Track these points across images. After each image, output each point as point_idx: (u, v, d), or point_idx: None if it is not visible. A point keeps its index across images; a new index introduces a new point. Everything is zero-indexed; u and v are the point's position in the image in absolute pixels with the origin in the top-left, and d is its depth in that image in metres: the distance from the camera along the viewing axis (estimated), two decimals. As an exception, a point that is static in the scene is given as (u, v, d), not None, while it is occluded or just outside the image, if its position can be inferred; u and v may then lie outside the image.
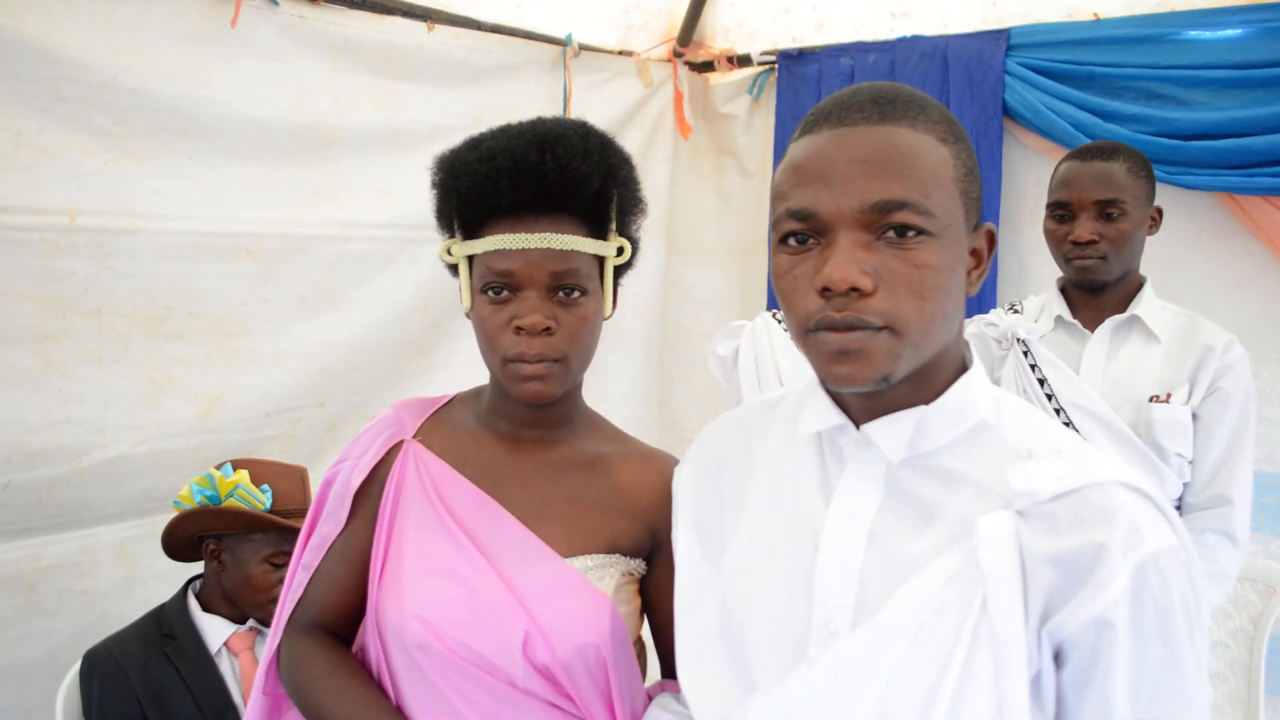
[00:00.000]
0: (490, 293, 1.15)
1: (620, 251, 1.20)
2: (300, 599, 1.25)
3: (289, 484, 1.94)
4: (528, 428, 1.24)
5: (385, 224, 2.81)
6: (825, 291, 0.83)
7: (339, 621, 1.26)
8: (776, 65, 3.73)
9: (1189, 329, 1.93)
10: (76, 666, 1.88)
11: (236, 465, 1.92)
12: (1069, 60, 3.10)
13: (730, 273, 3.97)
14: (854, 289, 0.82)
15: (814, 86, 3.64)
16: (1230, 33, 2.90)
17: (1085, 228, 1.89)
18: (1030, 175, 3.27)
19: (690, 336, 3.92)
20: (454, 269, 1.23)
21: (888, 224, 0.83)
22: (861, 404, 0.91)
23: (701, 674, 0.95)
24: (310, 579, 1.25)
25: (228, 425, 2.47)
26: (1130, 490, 0.82)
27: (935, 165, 0.84)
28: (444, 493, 1.20)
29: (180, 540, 1.97)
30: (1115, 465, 0.84)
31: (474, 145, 1.18)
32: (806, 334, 0.86)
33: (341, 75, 2.71)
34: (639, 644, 1.25)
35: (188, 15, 2.36)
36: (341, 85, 2.71)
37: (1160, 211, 2.00)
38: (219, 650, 1.87)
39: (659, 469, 1.24)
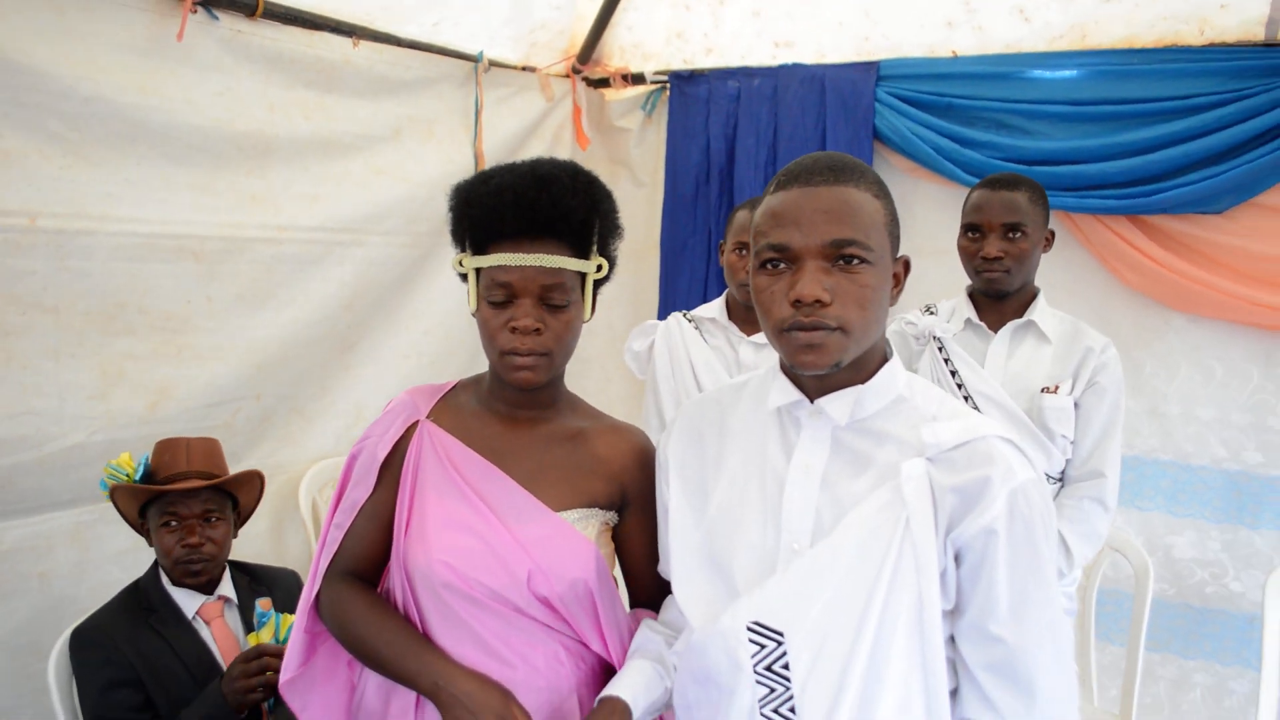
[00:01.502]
0: (493, 299, 1.42)
1: (600, 268, 1.48)
2: (336, 552, 1.50)
3: (171, 452, 2.06)
4: (521, 408, 1.51)
5: (315, 228, 2.99)
6: (796, 303, 1.14)
7: (369, 570, 1.51)
8: (669, 84, 4.05)
9: (1074, 333, 2.31)
10: (60, 644, 2.01)
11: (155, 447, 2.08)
12: (931, 91, 3.52)
13: (622, 275, 4.15)
14: (817, 301, 1.14)
15: (703, 105, 3.97)
16: (1067, 73, 3.38)
17: (993, 246, 2.25)
18: (896, 191, 3.59)
19: (585, 333, 4.07)
20: (463, 277, 1.48)
21: (840, 255, 1.15)
22: (814, 384, 1.22)
23: (691, 588, 1.25)
24: (344, 536, 1.49)
25: (173, 416, 2.61)
26: (1005, 442, 1.17)
27: (872, 214, 1.17)
28: (456, 463, 1.46)
29: (135, 527, 2.11)
30: (994, 425, 1.19)
31: (485, 180, 1.44)
32: (780, 333, 1.17)
33: (274, 88, 2.87)
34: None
35: (135, 28, 2.49)
36: (274, 96, 2.88)
37: (1053, 233, 2.37)
38: (194, 618, 2.05)
39: (629, 439, 1.54)
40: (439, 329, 3.55)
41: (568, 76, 4.05)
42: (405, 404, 1.53)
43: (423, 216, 3.40)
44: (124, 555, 2.52)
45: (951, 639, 1.18)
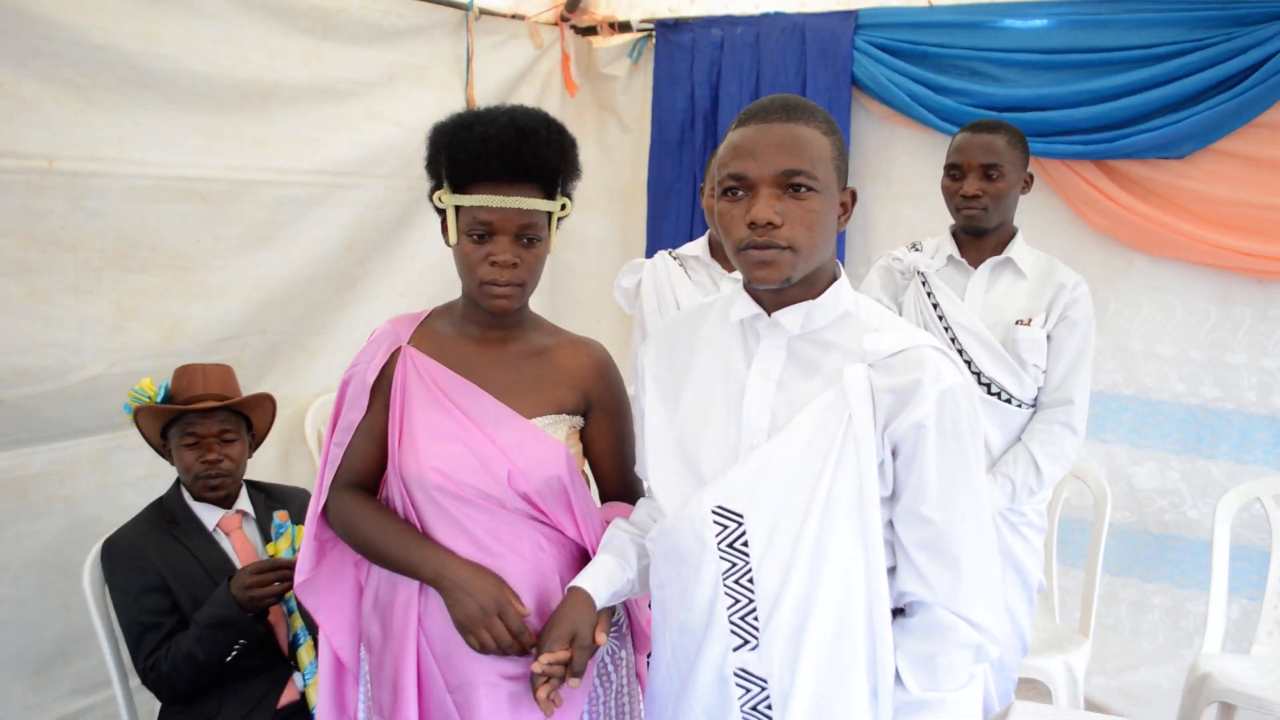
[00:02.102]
0: (473, 235, 1.58)
1: (563, 207, 1.64)
2: (339, 467, 1.68)
3: (188, 377, 2.22)
4: (492, 330, 1.69)
5: (316, 171, 3.13)
6: (752, 225, 1.30)
7: (368, 480, 1.70)
8: (654, 33, 4.16)
9: (1048, 270, 2.45)
10: (92, 555, 2.19)
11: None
12: (907, 40, 3.65)
13: (611, 218, 4.41)
14: (769, 223, 1.30)
15: (687, 53, 4.09)
16: (1037, 23, 3.51)
17: (972, 185, 2.39)
18: (874, 137, 3.82)
19: (576, 275, 4.35)
20: (440, 211, 1.64)
21: (790, 184, 1.31)
22: (771, 299, 1.39)
23: (664, 478, 1.43)
24: (343, 453, 1.67)
25: (186, 350, 2.76)
26: (936, 350, 1.33)
27: (820, 149, 1.33)
28: (437, 381, 1.64)
29: (158, 450, 2.27)
30: (928, 336, 1.35)
31: (468, 127, 1.59)
32: (739, 251, 1.33)
33: (273, 35, 2.99)
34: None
35: (142, -23, 2.62)
36: (273, 44, 3.00)
37: (1032, 176, 2.50)
38: (214, 530, 2.22)
39: (589, 352, 1.73)
40: (434, 270, 3.69)
41: (556, 24, 4.15)
42: (387, 332, 1.70)
43: (417, 160, 3.43)
44: (142, 480, 2.69)
45: (890, 523, 1.35)
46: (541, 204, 1.59)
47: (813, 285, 1.38)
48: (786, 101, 1.35)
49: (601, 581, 1.51)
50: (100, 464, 2.66)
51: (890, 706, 1.34)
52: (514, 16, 3.95)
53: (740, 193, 1.34)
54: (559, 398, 1.68)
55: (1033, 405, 2.42)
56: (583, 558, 1.65)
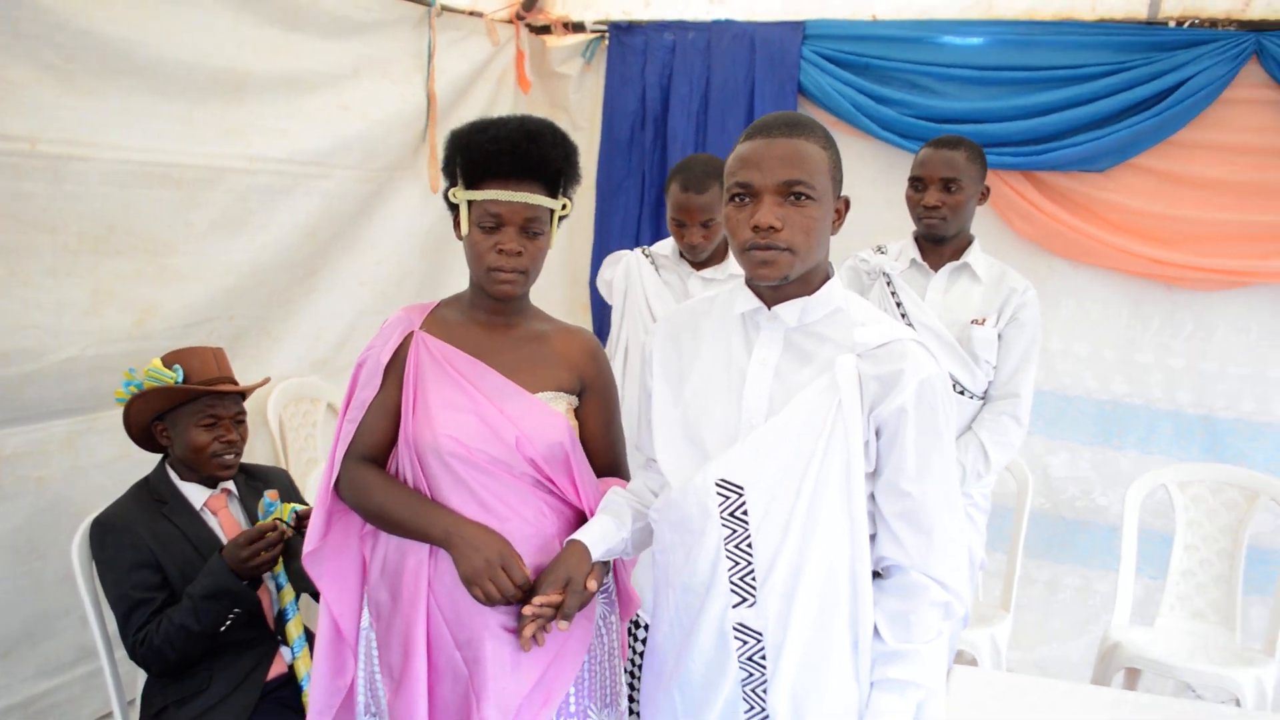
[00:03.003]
0: (483, 226, 1.73)
1: (564, 206, 1.79)
2: (351, 442, 1.78)
3: (201, 360, 2.28)
4: (498, 316, 1.83)
5: (284, 159, 3.19)
6: (755, 228, 1.46)
7: (379, 454, 1.81)
8: (608, 34, 4.29)
9: (1001, 275, 2.67)
10: (81, 533, 2.23)
11: (165, 359, 2.27)
12: (852, 52, 3.85)
13: None
14: (771, 227, 1.45)
15: (640, 55, 4.23)
16: (974, 40, 3.74)
17: (932, 196, 2.59)
18: None
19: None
20: (452, 207, 1.79)
21: (791, 192, 1.47)
22: (771, 295, 1.54)
23: (670, 454, 1.58)
24: (357, 428, 1.78)
25: (157, 333, 2.81)
26: (917, 344, 1.51)
27: (818, 161, 1.49)
28: (450, 360, 1.78)
29: (137, 432, 2.29)
30: (908, 330, 1.53)
31: (482, 130, 1.74)
32: (743, 251, 1.49)
33: (245, 25, 3.04)
34: None
35: (122, -35, 2.65)
36: (245, 34, 3.05)
37: (988, 189, 2.71)
38: (202, 509, 2.29)
39: (581, 339, 1.89)
40: (390, 259, 3.78)
41: (512, 22, 4.25)
42: (401, 319, 1.84)
43: (379, 152, 3.61)
44: (112, 463, 2.73)
45: (872, 496, 1.52)
46: (545, 200, 1.74)
47: (808, 283, 1.55)
48: (790, 118, 1.51)
49: (598, 536, 1.67)
50: (71, 446, 2.69)
51: (869, 657, 1.50)
52: (472, 13, 4.04)
53: (746, 199, 1.50)
54: (558, 377, 1.83)
55: (983, 398, 2.63)
56: (581, 524, 1.79)
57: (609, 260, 2.97)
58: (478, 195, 1.72)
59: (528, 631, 1.61)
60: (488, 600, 1.64)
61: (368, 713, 1.84)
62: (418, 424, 1.74)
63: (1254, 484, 3.05)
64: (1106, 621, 3.21)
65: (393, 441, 1.80)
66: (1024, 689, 2.35)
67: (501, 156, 1.70)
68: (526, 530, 1.73)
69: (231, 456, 2.26)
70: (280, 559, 2.20)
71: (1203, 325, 3.62)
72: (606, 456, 1.90)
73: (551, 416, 1.77)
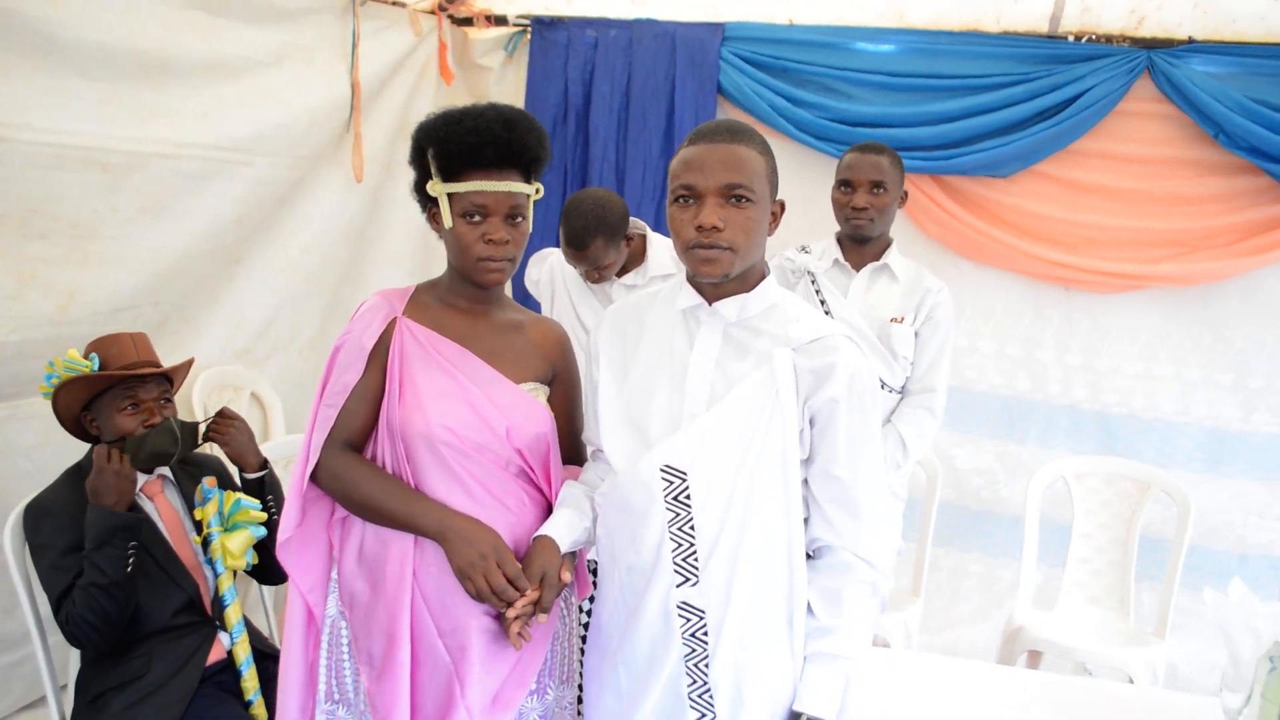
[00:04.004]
0: (468, 217, 1.75)
1: (538, 190, 1.83)
2: (332, 428, 1.78)
3: (119, 346, 2.26)
4: (478, 303, 1.87)
5: (209, 145, 3.16)
6: (699, 228, 1.54)
7: (359, 440, 1.81)
8: (530, 28, 4.33)
9: (917, 276, 2.81)
10: (14, 518, 2.19)
11: (89, 346, 2.26)
12: (769, 55, 3.96)
13: None
14: (714, 227, 1.54)
15: (562, 51, 4.27)
16: (886, 48, 3.88)
17: (861, 198, 2.71)
18: None
19: (442, 259, 4.45)
20: (424, 200, 1.81)
21: (732, 194, 1.56)
22: (712, 291, 1.63)
23: (615, 442, 1.66)
24: (338, 413, 1.78)
25: (81, 319, 2.77)
26: (847, 339, 1.62)
27: (757, 166, 1.58)
28: (436, 347, 1.80)
29: (70, 426, 2.27)
30: (839, 325, 1.63)
31: (457, 121, 1.75)
32: (687, 250, 1.58)
33: (169, 7, 3.00)
34: None
35: (46, -56, 2.61)
36: (169, 16, 3.01)
37: (907, 193, 2.84)
38: (138, 495, 2.26)
39: (553, 329, 1.94)
40: (315, 247, 3.77)
41: (434, 13, 4.26)
42: (381, 304, 1.84)
43: (304, 141, 3.60)
44: (35, 450, 2.69)
45: (806, 481, 1.62)
46: (524, 188, 1.79)
47: (746, 281, 1.64)
48: (731, 125, 1.61)
49: (564, 530, 1.72)
50: (-7, 432, 2.65)
51: (803, 632, 1.61)
52: (395, 3, 4.04)
53: (690, 201, 1.58)
54: (535, 367, 1.87)
55: (900, 392, 2.77)
56: (549, 515, 1.83)
57: (535, 259, 3.02)
58: (461, 187, 1.73)
59: (515, 629, 1.65)
60: (479, 595, 1.67)
61: (329, 700, 1.84)
62: (406, 410, 1.75)
63: (1145, 476, 3.24)
64: (1010, 606, 3.38)
65: (372, 427, 1.80)
66: (935, 670, 2.48)
67: (484, 148, 1.73)
68: (509, 520, 1.77)
69: None
70: (204, 546, 2.21)
71: (1098, 326, 3.83)
72: (569, 442, 1.94)
73: (536, 408, 1.81)
